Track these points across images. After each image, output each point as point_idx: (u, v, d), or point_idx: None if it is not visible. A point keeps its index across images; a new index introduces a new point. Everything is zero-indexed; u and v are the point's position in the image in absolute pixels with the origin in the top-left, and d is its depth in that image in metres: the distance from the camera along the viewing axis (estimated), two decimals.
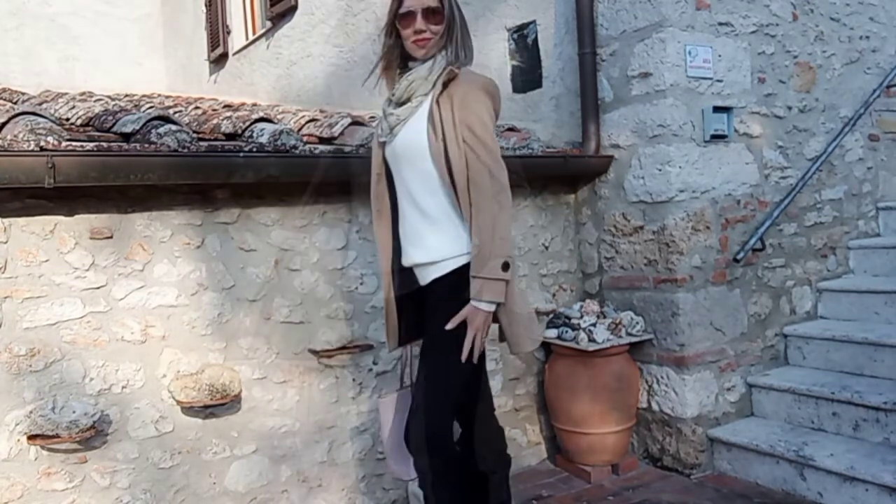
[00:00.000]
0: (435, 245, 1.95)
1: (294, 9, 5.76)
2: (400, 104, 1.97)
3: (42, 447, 2.19)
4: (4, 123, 2.16)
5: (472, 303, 1.85)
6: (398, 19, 1.94)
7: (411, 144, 1.94)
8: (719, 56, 3.16)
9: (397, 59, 2.01)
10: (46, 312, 2.23)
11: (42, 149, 2.05)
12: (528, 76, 3.68)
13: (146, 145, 2.29)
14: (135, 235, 2.38)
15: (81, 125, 2.70)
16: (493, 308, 1.86)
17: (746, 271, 3.27)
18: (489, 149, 1.87)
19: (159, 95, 5.78)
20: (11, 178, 1.99)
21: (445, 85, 1.90)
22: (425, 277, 2.00)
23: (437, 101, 1.90)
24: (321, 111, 3.55)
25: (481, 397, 2.10)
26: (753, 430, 3.05)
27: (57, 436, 2.12)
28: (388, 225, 2.08)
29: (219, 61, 7.15)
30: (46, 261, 2.23)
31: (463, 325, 1.87)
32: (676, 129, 3.04)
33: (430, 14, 1.92)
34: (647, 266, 3.19)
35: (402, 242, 2.04)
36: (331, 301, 2.76)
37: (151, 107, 3.79)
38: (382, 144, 2.04)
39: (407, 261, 2.03)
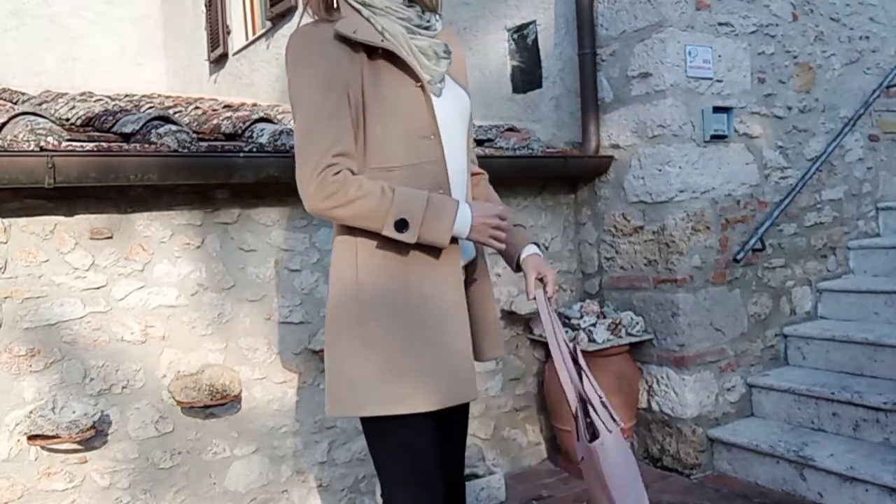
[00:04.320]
0: None
1: (294, 9, 5.76)
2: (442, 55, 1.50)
3: (42, 447, 2.19)
4: (4, 123, 2.16)
5: (533, 248, 1.63)
6: None
7: (463, 98, 1.56)
8: (719, 56, 3.16)
9: None
10: (46, 312, 2.22)
11: (42, 149, 2.05)
12: (528, 76, 3.68)
13: (146, 145, 2.29)
14: (135, 235, 2.38)
15: (81, 125, 2.70)
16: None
17: (746, 271, 3.27)
18: None
19: (159, 95, 5.78)
20: (11, 178, 1.99)
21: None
22: (469, 253, 1.59)
23: (457, 58, 1.59)
24: None
25: None
26: (753, 431, 3.05)
27: (57, 436, 2.12)
28: None
29: (219, 61, 7.15)
30: (46, 261, 2.23)
31: None
32: (676, 129, 3.04)
33: None
34: (647, 266, 3.19)
35: None
36: None
37: (151, 107, 3.79)
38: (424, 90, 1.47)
39: (468, 256, 1.59)
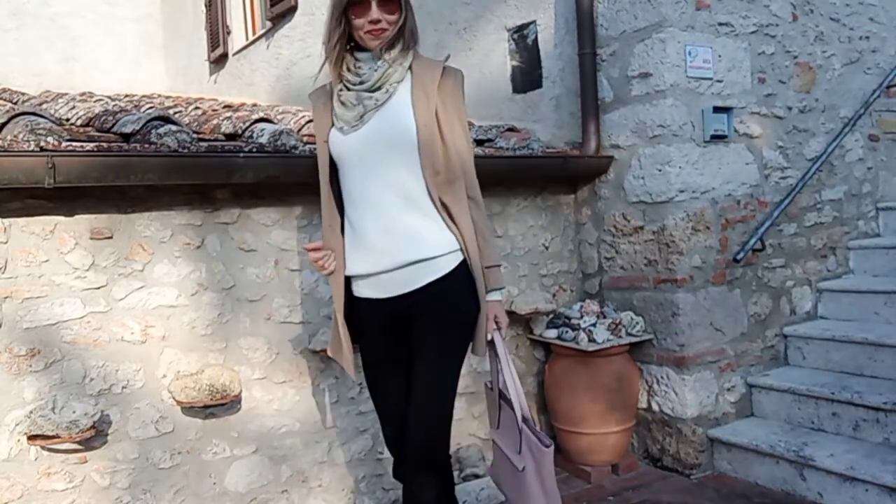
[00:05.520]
0: (434, 239, 1.83)
1: (294, 9, 5.77)
2: (373, 90, 1.83)
3: (42, 447, 2.19)
4: (4, 123, 2.16)
5: (497, 295, 1.92)
6: (349, 7, 1.80)
7: (398, 130, 1.81)
8: (719, 56, 3.16)
9: (344, 48, 1.86)
10: (46, 312, 2.22)
11: (42, 149, 2.05)
12: (528, 76, 3.68)
13: (146, 145, 2.29)
14: (135, 235, 2.38)
15: (81, 125, 2.70)
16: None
17: (746, 271, 3.27)
18: (470, 142, 1.96)
19: (159, 96, 5.78)
20: (11, 178, 1.99)
21: (443, 73, 1.86)
22: (417, 279, 1.83)
23: (425, 90, 1.83)
24: None
25: None
26: (753, 431, 3.05)
27: (57, 436, 2.12)
28: (339, 234, 1.91)
29: (219, 61, 7.15)
30: (46, 261, 2.23)
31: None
32: (676, 129, 3.04)
33: (384, 2, 1.79)
34: (647, 266, 3.19)
35: (378, 243, 1.83)
36: (331, 301, 2.75)
37: (151, 107, 3.79)
38: (343, 135, 1.85)
39: (391, 262, 1.82)
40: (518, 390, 1.95)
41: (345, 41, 1.85)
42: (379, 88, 1.82)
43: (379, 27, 1.79)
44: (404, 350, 1.89)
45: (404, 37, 1.84)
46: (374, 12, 1.78)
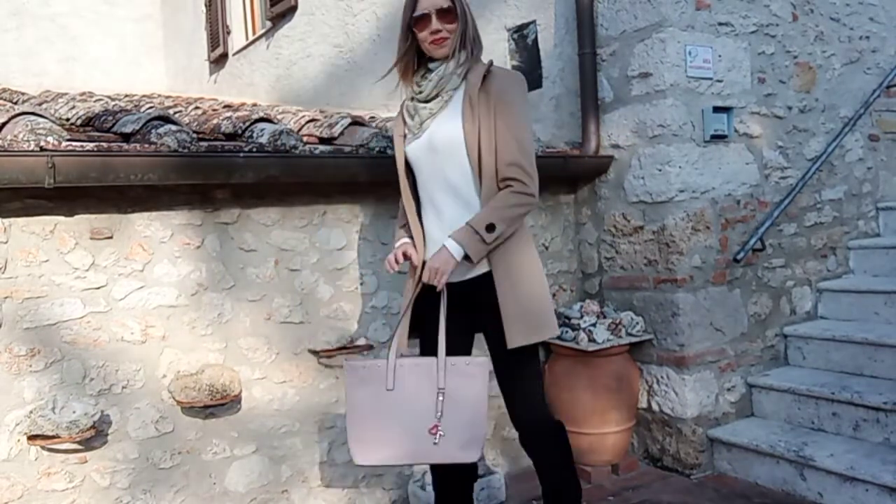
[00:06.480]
0: None
1: (294, 9, 5.77)
2: (428, 100, 2.03)
3: (42, 447, 2.19)
4: (4, 123, 2.16)
5: (449, 243, 1.93)
6: (413, 23, 2.00)
7: (449, 136, 1.99)
8: (719, 56, 3.16)
9: (414, 60, 2.07)
10: (46, 312, 2.22)
11: (42, 149, 2.05)
12: (528, 76, 3.65)
13: (146, 145, 2.29)
14: (135, 235, 2.38)
15: (81, 125, 2.70)
16: (459, 256, 1.92)
17: (746, 271, 3.27)
18: (522, 146, 1.96)
19: (159, 95, 5.78)
20: (11, 178, 1.99)
21: (484, 78, 1.97)
22: (471, 270, 1.99)
23: (469, 95, 1.97)
24: (321, 111, 3.55)
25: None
26: (753, 431, 3.05)
27: (57, 436, 2.12)
28: (419, 227, 2.11)
29: (219, 61, 7.16)
30: (46, 261, 2.23)
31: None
32: (676, 129, 3.04)
33: (443, 14, 1.98)
34: (647, 266, 3.19)
35: (439, 239, 2.00)
36: (331, 301, 2.76)
37: (151, 107, 3.79)
38: (407, 143, 2.08)
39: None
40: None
41: (413, 55, 2.06)
42: (434, 98, 2.02)
43: (440, 37, 1.98)
44: (463, 324, 2.05)
45: (467, 44, 2.01)
46: (435, 24, 1.97)
